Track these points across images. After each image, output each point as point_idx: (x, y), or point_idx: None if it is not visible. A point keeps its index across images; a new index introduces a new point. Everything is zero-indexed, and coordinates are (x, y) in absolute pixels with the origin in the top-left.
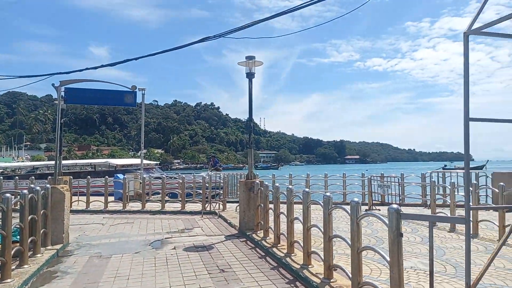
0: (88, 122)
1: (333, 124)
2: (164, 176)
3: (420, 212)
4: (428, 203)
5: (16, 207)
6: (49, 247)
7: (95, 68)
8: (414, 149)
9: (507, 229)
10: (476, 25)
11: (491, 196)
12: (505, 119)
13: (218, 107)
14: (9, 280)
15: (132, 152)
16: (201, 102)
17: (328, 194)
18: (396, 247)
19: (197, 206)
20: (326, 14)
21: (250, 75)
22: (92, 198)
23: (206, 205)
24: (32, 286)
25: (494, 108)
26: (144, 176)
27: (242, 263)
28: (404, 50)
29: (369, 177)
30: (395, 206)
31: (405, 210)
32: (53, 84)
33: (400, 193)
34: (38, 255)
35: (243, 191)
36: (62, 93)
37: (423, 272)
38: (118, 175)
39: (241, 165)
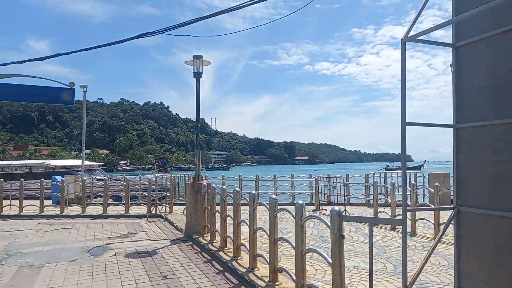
0: (25, 120)
1: (283, 125)
2: (107, 177)
3: (363, 212)
4: (371, 203)
5: None
6: None
7: (22, 62)
8: (359, 150)
9: (442, 227)
10: (412, 33)
11: (428, 195)
12: (437, 123)
13: (168, 107)
14: None
15: (75, 153)
16: (149, 101)
17: (274, 196)
18: (338, 249)
19: (143, 209)
20: (277, 17)
21: (197, 75)
22: (26, 202)
23: (152, 208)
24: None
25: (431, 111)
26: (86, 178)
27: (187, 269)
28: (350, 55)
29: (316, 178)
30: (337, 208)
31: (349, 209)
32: None
33: (346, 194)
34: None
35: (190, 194)
36: None
37: (365, 271)
38: (57, 177)
39: (192, 166)
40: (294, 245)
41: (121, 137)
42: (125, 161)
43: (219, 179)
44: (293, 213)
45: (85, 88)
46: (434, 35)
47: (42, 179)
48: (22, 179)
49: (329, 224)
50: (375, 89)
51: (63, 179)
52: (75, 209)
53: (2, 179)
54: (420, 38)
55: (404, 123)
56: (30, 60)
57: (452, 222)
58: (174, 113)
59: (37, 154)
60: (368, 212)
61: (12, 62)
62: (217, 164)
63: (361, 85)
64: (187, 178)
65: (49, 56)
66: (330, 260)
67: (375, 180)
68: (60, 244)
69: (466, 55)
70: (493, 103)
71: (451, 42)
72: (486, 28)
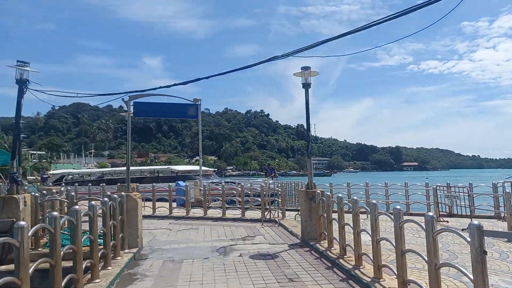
0: (145, 130)
1: (387, 129)
2: (223, 183)
3: (493, 225)
4: (502, 215)
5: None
6: (126, 251)
7: (169, 86)
8: (479, 156)
9: None
10: None
11: None
12: None
13: (268, 114)
14: (98, 281)
15: (187, 159)
16: (251, 110)
17: (398, 207)
18: (480, 266)
19: (256, 214)
20: (374, 17)
21: (306, 86)
22: (156, 204)
23: (266, 213)
24: (117, 287)
25: None
26: (204, 182)
27: (310, 273)
28: (461, 51)
29: (434, 186)
30: (476, 222)
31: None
32: (123, 99)
33: (470, 204)
34: (118, 258)
35: (304, 201)
36: (131, 107)
37: None
38: (179, 182)
39: (295, 171)
40: (426, 258)
41: (226, 144)
42: (231, 167)
43: (327, 186)
44: (423, 225)
45: (199, 102)
46: None
47: (169, 183)
48: (154, 184)
49: (468, 239)
50: (493, 87)
51: (186, 184)
52: (198, 212)
53: (137, 184)
54: None
55: None
56: (175, 84)
57: None
58: (274, 120)
59: (156, 160)
60: (499, 226)
61: (161, 87)
62: (318, 170)
63: (476, 83)
64: (294, 185)
65: (191, 80)
66: (472, 277)
67: (507, 191)
68: (192, 243)
69: None
70: None
71: None
72: None
